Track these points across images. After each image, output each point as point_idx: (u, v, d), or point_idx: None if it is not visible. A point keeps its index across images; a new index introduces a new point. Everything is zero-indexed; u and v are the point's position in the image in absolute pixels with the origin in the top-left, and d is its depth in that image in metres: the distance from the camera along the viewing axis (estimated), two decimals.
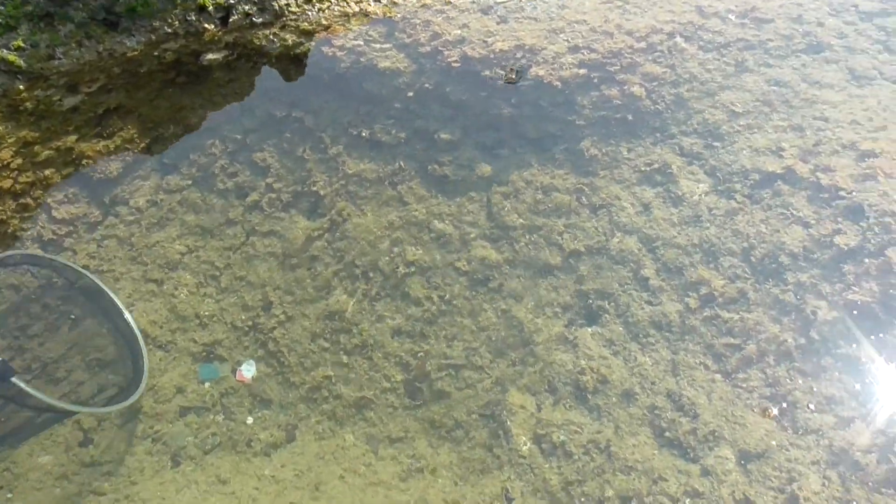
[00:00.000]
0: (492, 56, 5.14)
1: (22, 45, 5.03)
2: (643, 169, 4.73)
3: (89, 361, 4.29)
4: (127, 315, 4.34)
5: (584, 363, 4.05)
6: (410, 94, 5.17)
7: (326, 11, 5.70)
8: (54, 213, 4.78)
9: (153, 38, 5.40)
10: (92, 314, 4.44)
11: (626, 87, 5.00)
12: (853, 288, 3.90)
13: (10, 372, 3.41)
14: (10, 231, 4.65)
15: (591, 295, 4.31)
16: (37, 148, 4.86)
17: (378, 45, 5.37)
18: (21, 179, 4.76)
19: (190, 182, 5.01)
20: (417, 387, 4.17)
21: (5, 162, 4.78)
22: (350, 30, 5.53)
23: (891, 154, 4.32)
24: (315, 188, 4.88)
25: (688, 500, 3.53)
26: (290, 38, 5.59)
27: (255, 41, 5.58)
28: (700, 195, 4.54)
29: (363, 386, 4.20)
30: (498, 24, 5.38)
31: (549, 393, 4.03)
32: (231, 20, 5.56)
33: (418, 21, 5.43)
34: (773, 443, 3.60)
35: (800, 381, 3.76)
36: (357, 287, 4.52)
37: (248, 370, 4.33)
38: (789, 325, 3.94)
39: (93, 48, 5.24)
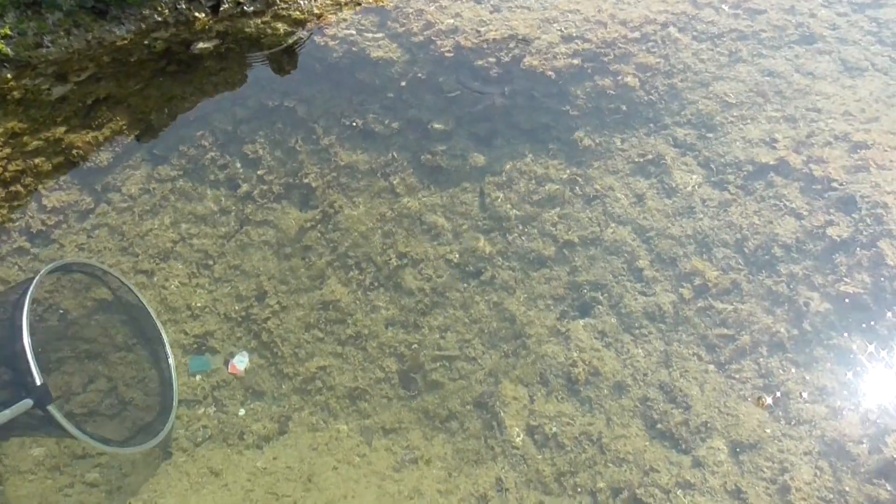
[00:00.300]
0: (485, 46, 5.11)
1: (9, 32, 4.96)
2: (637, 160, 4.72)
3: (120, 387, 4.24)
4: (168, 347, 4.28)
5: (576, 355, 4.05)
6: (403, 83, 5.14)
7: (318, 0, 5.65)
8: (44, 202, 4.74)
9: (143, 26, 5.34)
10: (133, 337, 4.39)
11: (619, 78, 4.99)
12: (845, 279, 3.91)
13: (49, 399, 3.35)
14: None
15: (585, 286, 4.31)
16: (25, 138, 4.81)
17: (370, 35, 5.33)
18: (10, 168, 4.72)
19: (181, 173, 4.97)
20: (411, 377, 4.16)
21: None
22: (342, 19, 5.48)
23: (883, 145, 4.33)
24: (307, 180, 4.85)
25: (679, 492, 3.55)
26: (282, 27, 5.54)
27: (247, 30, 5.53)
28: (693, 186, 4.54)
29: (357, 377, 4.19)
30: (491, 13, 5.34)
31: (542, 385, 4.04)
32: (222, 9, 5.51)
33: (411, 10, 5.39)
34: (766, 433, 3.62)
35: (792, 372, 3.77)
36: (351, 277, 4.50)
37: (240, 362, 4.31)
38: (782, 315, 3.96)
39: (81, 37, 5.17)
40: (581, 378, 3.98)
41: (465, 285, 4.41)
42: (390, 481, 3.83)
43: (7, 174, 4.69)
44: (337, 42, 5.32)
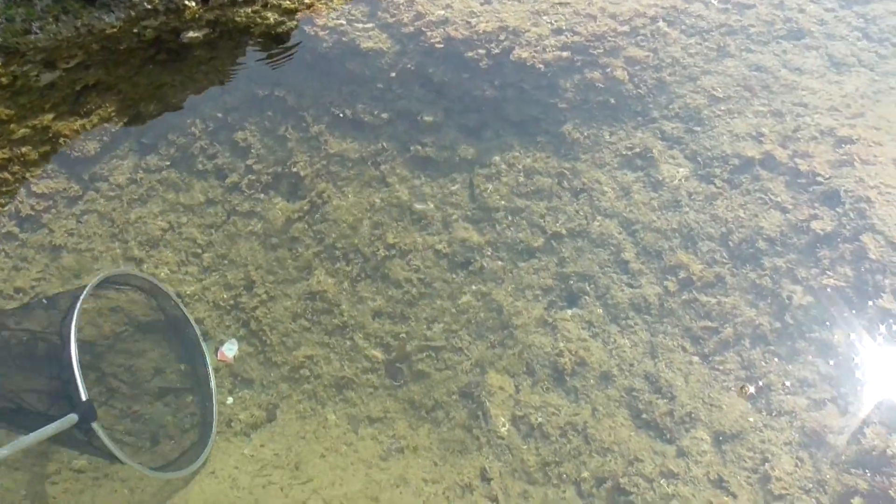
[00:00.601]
0: (475, 37, 5.12)
1: None
2: (624, 153, 4.75)
3: (159, 406, 4.21)
4: (211, 373, 4.23)
5: (562, 345, 4.09)
6: (393, 74, 5.15)
7: None
8: (33, 188, 4.73)
9: (132, 14, 5.31)
10: (176, 352, 4.36)
11: (608, 71, 5.00)
12: (828, 272, 3.96)
13: (93, 415, 3.28)
14: None
15: (572, 277, 4.34)
16: (13, 125, 4.79)
17: (360, 25, 5.33)
18: None
19: (168, 163, 4.97)
20: (398, 367, 4.19)
21: None
22: (333, 9, 5.47)
23: (867, 140, 4.37)
24: (296, 168, 4.85)
25: (663, 481, 3.59)
26: (272, 17, 5.52)
27: (237, 19, 5.51)
28: (680, 180, 4.57)
29: (344, 366, 4.21)
30: (482, 4, 5.34)
31: (528, 375, 4.07)
32: None
33: (401, 0, 5.38)
34: (748, 424, 3.67)
35: (775, 364, 3.82)
36: (338, 268, 4.52)
37: (230, 349, 4.32)
38: (765, 308, 4.00)
39: (70, 23, 5.14)
40: (567, 368, 4.02)
41: (454, 276, 4.44)
42: (376, 469, 3.86)
43: None
44: (327, 32, 5.31)
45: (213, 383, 4.18)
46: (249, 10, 5.50)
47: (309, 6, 5.53)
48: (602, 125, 4.89)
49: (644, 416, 3.84)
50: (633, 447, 3.73)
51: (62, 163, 4.86)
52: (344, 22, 5.35)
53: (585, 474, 3.69)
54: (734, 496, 3.46)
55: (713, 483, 3.54)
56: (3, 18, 4.88)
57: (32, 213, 4.69)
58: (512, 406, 3.98)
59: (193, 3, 5.29)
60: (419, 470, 3.84)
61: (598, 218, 4.51)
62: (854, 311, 3.82)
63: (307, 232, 4.66)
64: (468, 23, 5.19)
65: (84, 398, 3.22)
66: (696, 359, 3.96)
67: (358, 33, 5.28)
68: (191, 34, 5.28)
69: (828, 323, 3.83)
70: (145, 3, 5.24)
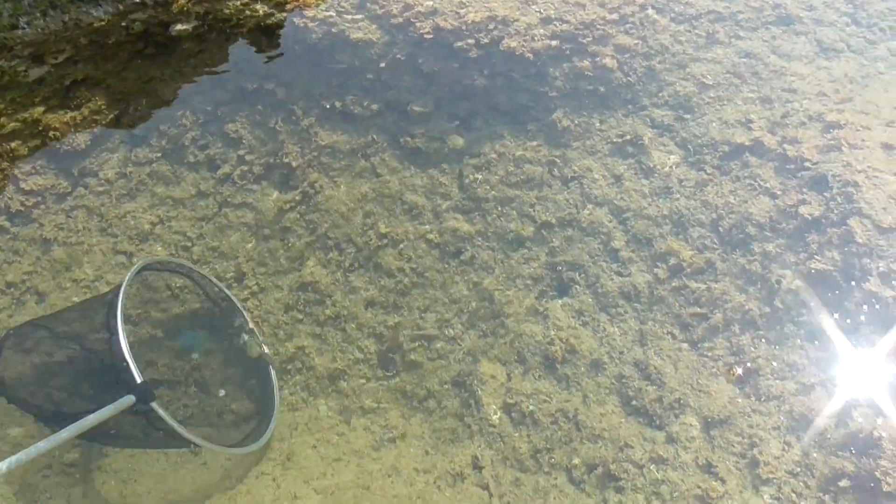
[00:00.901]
0: (464, 28, 5.11)
1: None
2: (615, 140, 4.75)
3: (218, 387, 4.22)
4: (266, 350, 4.21)
5: (553, 334, 4.10)
6: (382, 65, 5.14)
7: None
8: (22, 185, 4.73)
9: (120, 7, 5.30)
10: (229, 338, 4.33)
11: (598, 59, 5.00)
12: (816, 257, 3.97)
13: (151, 396, 3.24)
14: None
15: (562, 266, 4.35)
16: (2, 120, 4.79)
17: (350, 17, 5.32)
18: None
19: (159, 155, 4.97)
20: (390, 357, 4.20)
21: None
22: (322, 0, 5.46)
23: (855, 125, 4.38)
24: (287, 159, 4.85)
25: (653, 467, 3.61)
26: (262, 9, 5.52)
27: (226, 11, 5.50)
28: (671, 167, 4.58)
29: (336, 357, 4.22)
30: None
31: (519, 363, 4.08)
32: None
33: None
34: (737, 409, 3.69)
35: (763, 349, 3.83)
36: (330, 259, 4.52)
37: None
38: (755, 294, 4.01)
39: (58, 18, 5.14)
40: (558, 356, 4.03)
41: (445, 266, 4.45)
42: (368, 460, 3.87)
43: None
44: (316, 24, 5.30)
45: (273, 371, 4.17)
46: (238, 2, 5.49)
47: None
48: (592, 113, 4.89)
49: (634, 402, 3.85)
50: (623, 433, 3.75)
51: (51, 157, 4.86)
52: (333, 13, 5.35)
53: (576, 461, 3.71)
54: (723, 481, 3.48)
55: (702, 468, 3.56)
56: None
57: (22, 208, 4.69)
58: (503, 394, 3.99)
59: None
60: (411, 459, 3.85)
61: (589, 206, 4.51)
62: (842, 294, 3.83)
63: (299, 222, 4.66)
64: (457, 13, 5.18)
65: (139, 381, 3.19)
66: (685, 346, 3.97)
67: (347, 24, 5.28)
68: (179, 27, 5.28)
69: (816, 307, 3.84)
70: None
